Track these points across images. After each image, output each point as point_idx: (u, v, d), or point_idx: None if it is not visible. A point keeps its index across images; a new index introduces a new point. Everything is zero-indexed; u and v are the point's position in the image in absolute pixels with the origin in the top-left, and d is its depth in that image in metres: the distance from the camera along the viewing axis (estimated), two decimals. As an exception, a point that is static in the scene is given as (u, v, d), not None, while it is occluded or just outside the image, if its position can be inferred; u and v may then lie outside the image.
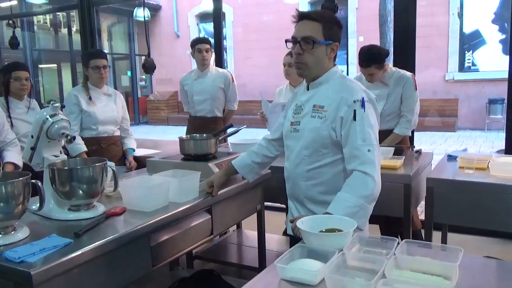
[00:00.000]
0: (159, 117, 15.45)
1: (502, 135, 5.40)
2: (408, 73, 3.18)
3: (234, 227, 3.77)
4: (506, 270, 1.42)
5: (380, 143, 1.90)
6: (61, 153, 2.01)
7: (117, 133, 3.42)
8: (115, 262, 1.65)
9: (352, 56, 12.23)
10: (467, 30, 11.62)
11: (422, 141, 8.89)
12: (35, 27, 14.36)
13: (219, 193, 2.18)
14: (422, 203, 2.76)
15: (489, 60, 11.37)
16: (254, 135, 3.48)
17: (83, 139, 3.17)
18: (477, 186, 2.35)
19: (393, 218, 2.74)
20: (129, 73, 16.29)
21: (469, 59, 11.74)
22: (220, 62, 4.75)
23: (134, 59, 16.19)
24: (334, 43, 1.84)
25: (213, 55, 4.24)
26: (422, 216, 3.09)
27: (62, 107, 1.98)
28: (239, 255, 3.42)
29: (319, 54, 1.82)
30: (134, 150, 3.47)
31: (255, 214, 2.67)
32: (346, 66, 11.96)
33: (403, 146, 3.13)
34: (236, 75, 4.42)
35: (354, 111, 1.76)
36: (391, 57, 4.13)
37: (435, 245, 1.43)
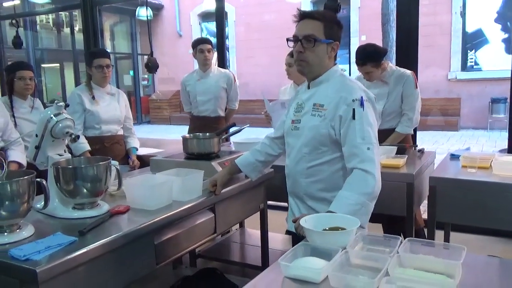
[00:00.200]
0: (162, 116, 15.46)
1: (505, 134, 5.38)
2: (408, 71, 3.18)
3: (237, 226, 3.78)
4: (509, 269, 1.42)
5: (382, 142, 1.91)
6: (65, 152, 2.02)
7: (120, 132, 3.43)
8: (120, 260, 1.67)
9: (354, 55, 12.17)
10: (469, 29, 11.59)
11: (425, 140, 8.87)
12: (38, 27, 14.38)
13: (222, 191, 2.19)
14: (425, 202, 2.76)
15: (491, 59, 11.33)
16: (256, 135, 3.49)
17: (87, 138, 3.19)
18: (480, 185, 2.35)
19: (395, 217, 2.74)
20: (131, 72, 16.30)
21: (472, 58, 11.70)
22: (222, 62, 4.76)
23: (136, 58, 16.20)
24: (335, 42, 1.87)
25: (215, 55, 4.25)
26: (424, 215, 3.10)
27: (66, 106, 1.98)
28: (242, 254, 3.43)
29: (320, 52, 1.84)
30: (137, 149, 3.48)
31: (258, 213, 2.68)
32: (348, 65, 11.92)
33: (405, 145, 3.13)
34: (238, 75, 4.46)
35: (353, 110, 1.78)
36: (393, 56, 4.13)
37: (438, 243, 1.43)
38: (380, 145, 1.97)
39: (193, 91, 4.07)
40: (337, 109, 1.81)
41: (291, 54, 3.26)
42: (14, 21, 5.42)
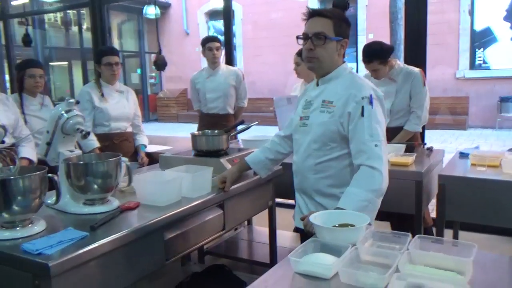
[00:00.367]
0: (169, 114, 15.51)
1: (514, 133, 5.34)
2: (416, 69, 3.17)
3: (245, 223, 3.79)
4: (520, 267, 1.41)
5: (390, 140, 1.91)
6: (76, 148, 2.04)
7: (129, 129, 3.45)
8: (130, 255, 1.68)
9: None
10: (478, 27, 11.50)
11: (433, 139, 8.81)
12: (46, 25, 14.47)
13: (230, 188, 2.20)
14: (433, 201, 2.76)
15: (500, 57, 11.24)
16: (264, 133, 3.50)
17: (96, 135, 3.21)
18: (489, 183, 2.34)
19: (404, 215, 2.74)
20: (139, 70, 16.37)
21: (480, 57, 11.62)
22: (230, 60, 4.76)
23: (144, 56, 16.26)
24: (344, 39, 1.88)
25: (223, 52, 4.26)
26: (433, 214, 3.09)
27: (77, 102, 2.00)
28: (250, 251, 3.44)
29: (330, 49, 1.85)
30: (146, 146, 3.51)
31: (266, 210, 2.68)
32: (355, 63, 11.89)
33: (414, 143, 3.13)
34: (245, 73, 4.45)
35: (362, 107, 1.79)
36: (401, 54, 4.11)
37: (448, 240, 1.43)
38: (388, 143, 1.97)
39: (202, 88, 4.10)
40: (346, 106, 1.82)
41: (299, 53, 3.27)
42: (23, 20, 5.47)
